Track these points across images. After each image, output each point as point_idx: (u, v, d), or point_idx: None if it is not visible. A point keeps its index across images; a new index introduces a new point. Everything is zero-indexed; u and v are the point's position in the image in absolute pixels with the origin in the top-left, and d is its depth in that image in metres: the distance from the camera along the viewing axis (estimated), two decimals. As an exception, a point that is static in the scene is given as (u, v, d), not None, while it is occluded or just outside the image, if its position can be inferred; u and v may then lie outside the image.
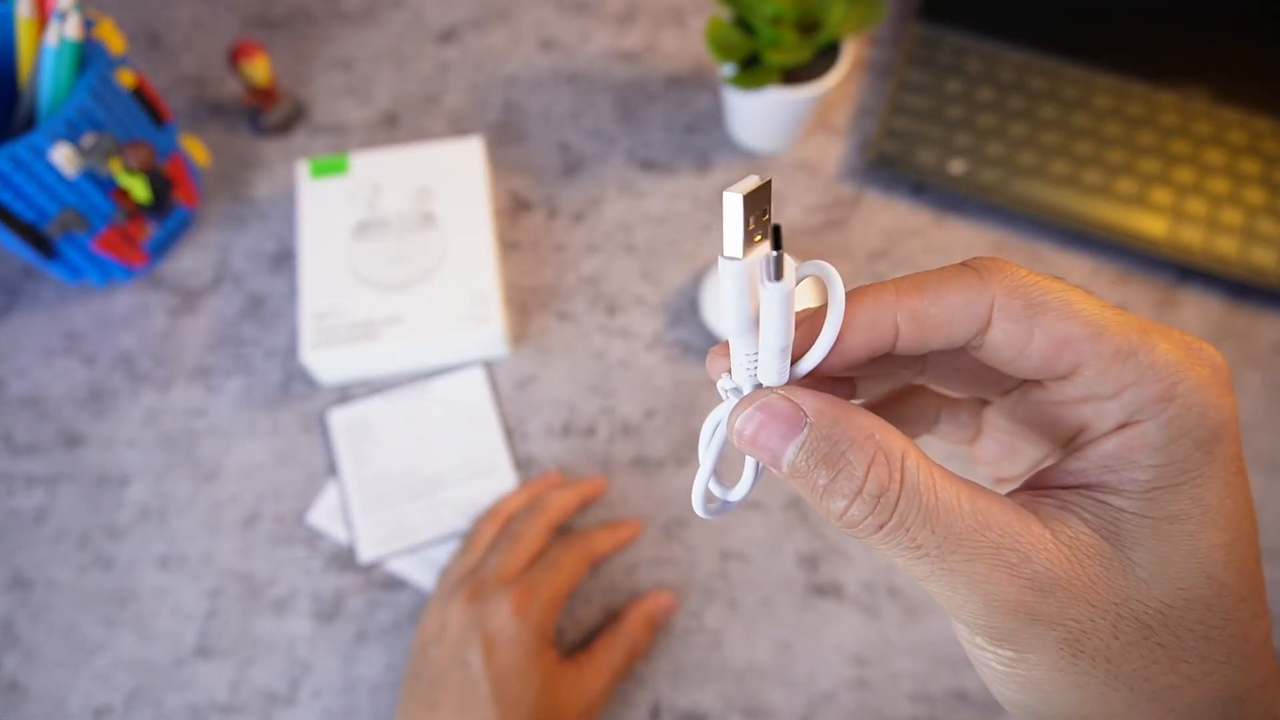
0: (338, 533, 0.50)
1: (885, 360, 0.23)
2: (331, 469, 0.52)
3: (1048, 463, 0.23)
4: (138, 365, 0.55)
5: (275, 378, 0.54)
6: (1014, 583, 0.18)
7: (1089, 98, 0.59)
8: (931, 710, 0.46)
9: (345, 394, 0.54)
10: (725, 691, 0.47)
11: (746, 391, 0.21)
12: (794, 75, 0.54)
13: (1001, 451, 0.26)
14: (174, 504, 0.51)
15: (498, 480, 0.51)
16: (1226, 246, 0.55)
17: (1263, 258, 0.54)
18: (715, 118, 0.62)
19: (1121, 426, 0.19)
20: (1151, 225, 0.56)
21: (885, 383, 0.26)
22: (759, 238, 0.19)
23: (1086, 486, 0.19)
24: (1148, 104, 0.59)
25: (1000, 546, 0.18)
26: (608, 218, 0.59)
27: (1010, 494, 0.20)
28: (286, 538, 0.50)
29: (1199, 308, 0.56)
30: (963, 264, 0.20)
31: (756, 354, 0.21)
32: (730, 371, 0.22)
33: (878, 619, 0.48)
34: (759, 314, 0.19)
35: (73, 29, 0.47)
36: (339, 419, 0.53)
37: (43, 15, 0.48)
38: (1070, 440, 0.21)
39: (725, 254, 0.19)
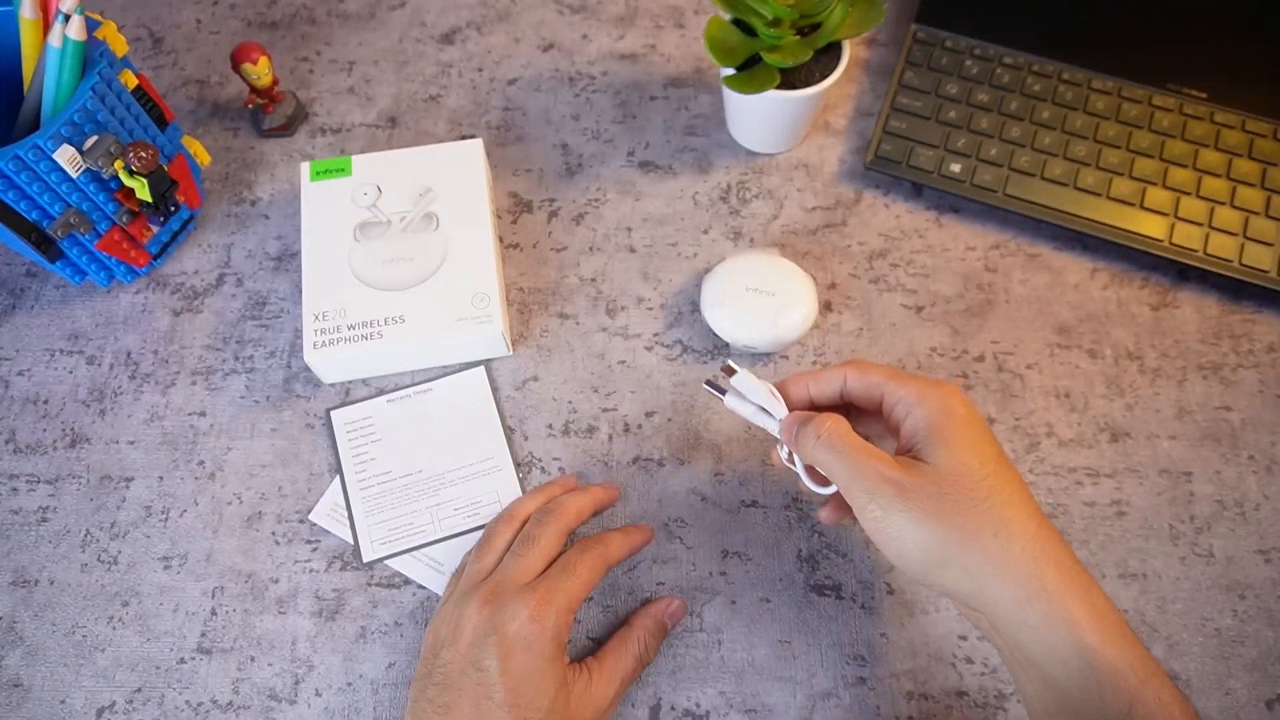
0: (339, 532, 0.51)
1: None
2: (333, 469, 0.52)
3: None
4: (140, 365, 0.55)
5: (277, 377, 0.55)
6: (885, 472, 0.38)
7: (1087, 99, 0.60)
8: (930, 709, 0.46)
9: (348, 394, 0.54)
10: (725, 690, 0.47)
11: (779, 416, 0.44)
12: (794, 76, 0.55)
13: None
14: (176, 503, 0.52)
15: (500, 480, 0.52)
16: (1224, 247, 0.55)
17: (1259, 258, 0.55)
18: (715, 118, 0.63)
19: (906, 417, 0.40)
20: (1150, 226, 0.56)
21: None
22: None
23: (910, 447, 0.40)
24: (1145, 106, 0.59)
25: (881, 459, 0.39)
26: (608, 218, 0.59)
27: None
28: (288, 536, 0.51)
29: (1197, 308, 0.56)
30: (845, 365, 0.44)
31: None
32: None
33: (877, 618, 0.48)
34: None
35: (76, 30, 0.47)
36: (341, 419, 0.53)
37: (46, 17, 0.49)
38: (897, 428, 0.41)
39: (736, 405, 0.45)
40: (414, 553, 0.50)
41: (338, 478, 0.52)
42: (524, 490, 0.52)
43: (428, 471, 0.52)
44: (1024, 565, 0.36)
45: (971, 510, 0.36)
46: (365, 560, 0.50)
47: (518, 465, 0.52)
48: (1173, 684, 0.35)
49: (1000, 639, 0.37)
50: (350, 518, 0.51)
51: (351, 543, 0.50)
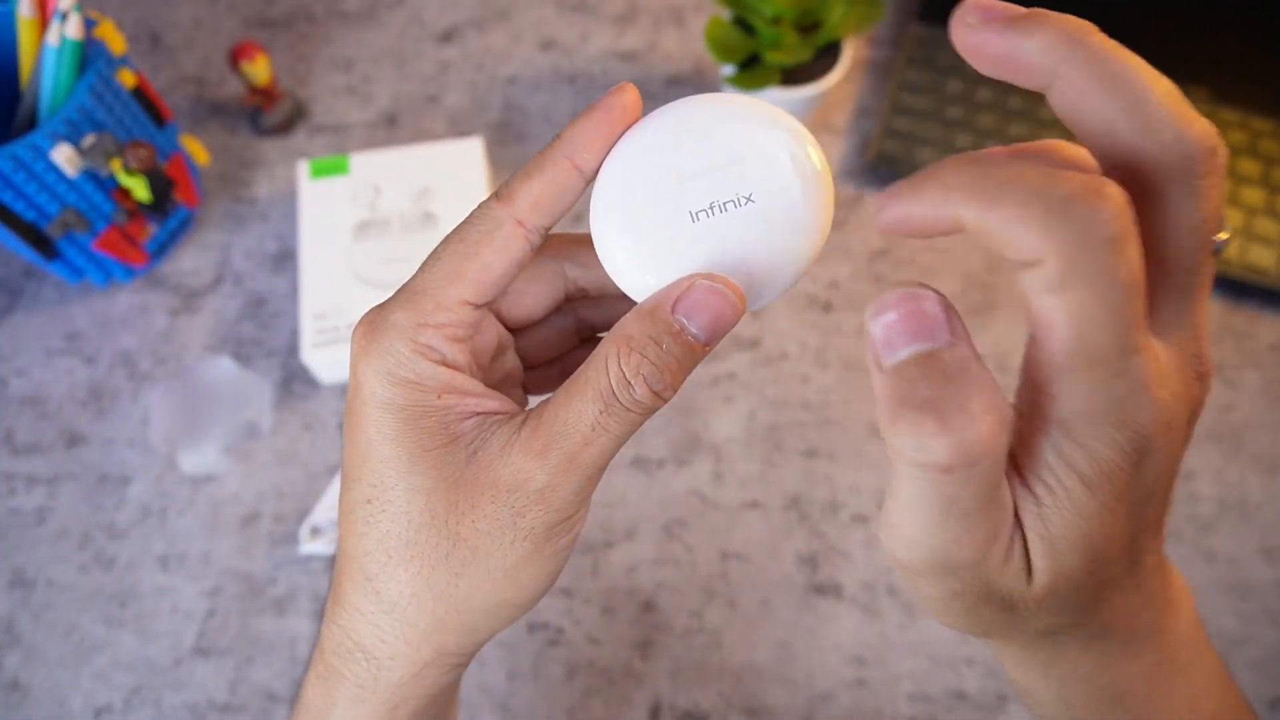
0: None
1: None
2: (331, 470, 0.52)
3: None
4: (138, 365, 0.55)
5: (275, 377, 0.54)
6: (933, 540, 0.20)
7: (1089, 98, 0.59)
8: (931, 710, 0.46)
9: (347, 394, 0.54)
10: (725, 691, 0.47)
11: None
12: (794, 75, 0.54)
13: None
14: (174, 504, 0.51)
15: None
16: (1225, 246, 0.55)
17: (1262, 258, 0.55)
18: (715, 118, 0.62)
19: (1032, 408, 0.20)
20: (1151, 225, 0.56)
21: None
22: None
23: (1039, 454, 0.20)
24: (1147, 104, 0.59)
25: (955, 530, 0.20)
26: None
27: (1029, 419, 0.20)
28: (286, 537, 0.50)
29: (1198, 308, 0.56)
30: (1055, 196, 0.18)
31: None
32: None
33: (877, 619, 0.48)
34: None
35: (74, 29, 0.47)
36: None
37: (44, 15, 0.49)
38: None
39: None
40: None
41: (336, 485, 0.52)
42: None
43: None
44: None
45: (1026, 622, 0.22)
46: None
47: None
48: None
49: None
50: None
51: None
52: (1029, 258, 0.17)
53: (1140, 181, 0.19)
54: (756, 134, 0.23)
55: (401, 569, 0.24)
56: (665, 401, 0.23)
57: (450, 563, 0.24)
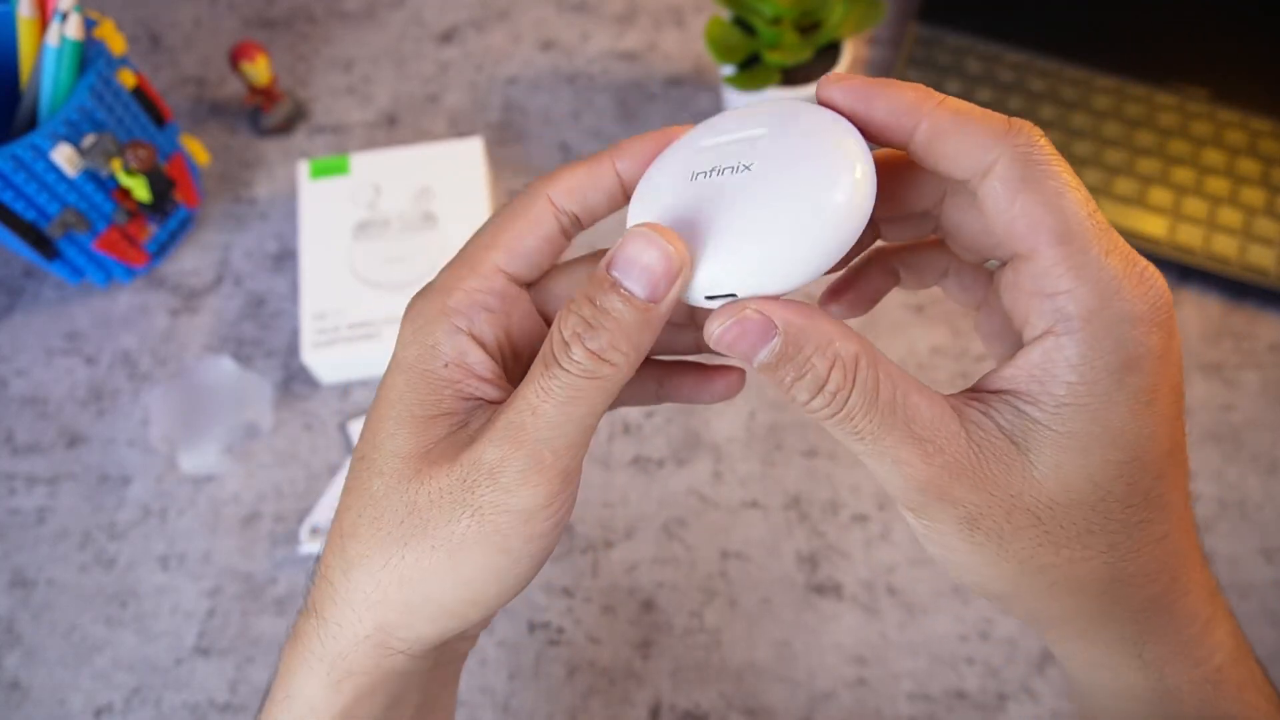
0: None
1: (903, 197, 0.25)
2: (332, 470, 0.52)
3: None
4: (138, 365, 0.55)
5: (276, 378, 0.54)
6: (927, 467, 0.21)
7: (1088, 99, 0.59)
8: (931, 710, 0.46)
9: (348, 396, 0.54)
10: (725, 691, 0.47)
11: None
12: (794, 75, 0.54)
13: (994, 331, 0.28)
14: (174, 504, 0.51)
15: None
16: (1225, 246, 0.55)
17: (1262, 258, 0.55)
18: (715, 118, 0.62)
19: (1046, 333, 0.21)
20: (1151, 225, 0.56)
21: (909, 231, 0.27)
22: None
23: (1013, 392, 0.21)
24: (1147, 105, 0.59)
25: (920, 438, 0.21)
26: (608, 218, 0.59)
27: (952, 394, 0.23)
28: (287, 537, 0.50)
29: (1198, 308, 0.56)
30: (1004, 116, 0.21)
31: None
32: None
33: (877, 618, 0.48)
34: None
35: (74, 29, 0.47)
36: (357, 430, 0.53)
37: (44, 15, 0.49)
38: (1022, 318, 0.23)
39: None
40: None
41: (336, 485, 0.52)
42: None
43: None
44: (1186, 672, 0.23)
45: (1073, 554, 0.21)
46: None
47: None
48: None
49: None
50: None
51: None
52: (979, 167, 0.20)
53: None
54: (783, 116, 0.23)
55: (365, 528, 0.24)
56: (612, 365, 0.22)
57: (401, 530, 0.23)
